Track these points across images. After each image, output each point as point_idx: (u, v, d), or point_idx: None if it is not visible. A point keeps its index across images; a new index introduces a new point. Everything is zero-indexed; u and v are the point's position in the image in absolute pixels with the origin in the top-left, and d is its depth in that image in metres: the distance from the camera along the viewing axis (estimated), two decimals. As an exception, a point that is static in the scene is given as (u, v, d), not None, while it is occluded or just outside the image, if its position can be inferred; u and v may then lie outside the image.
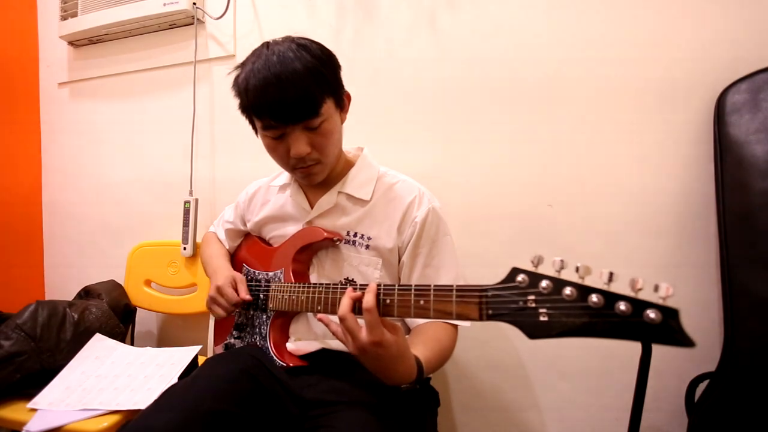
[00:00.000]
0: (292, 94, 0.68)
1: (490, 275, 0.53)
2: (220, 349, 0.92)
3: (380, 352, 0.57)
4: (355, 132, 0.91)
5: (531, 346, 1.04)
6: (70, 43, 1.57)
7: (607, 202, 0.99)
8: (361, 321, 0.59)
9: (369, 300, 0.57)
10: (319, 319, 0.63)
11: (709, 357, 0.86)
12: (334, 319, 0.62)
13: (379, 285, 0.61)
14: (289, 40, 0.73)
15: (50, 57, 1.65)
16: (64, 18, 1.50)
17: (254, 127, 0.79)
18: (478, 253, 1.07)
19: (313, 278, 0.82)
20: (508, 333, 1.06)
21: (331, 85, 0.73)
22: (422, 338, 0.72)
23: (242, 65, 0.74)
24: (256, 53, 0.73)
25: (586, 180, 1.00)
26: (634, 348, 0.45)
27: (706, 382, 0.87)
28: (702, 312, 0.91)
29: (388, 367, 0.59)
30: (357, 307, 0.60)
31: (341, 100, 0.78)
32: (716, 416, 0.82)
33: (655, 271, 0.95)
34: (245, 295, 0.81)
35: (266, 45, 0.73)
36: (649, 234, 0.95)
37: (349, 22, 1.22)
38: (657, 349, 0.42)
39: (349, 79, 0.79)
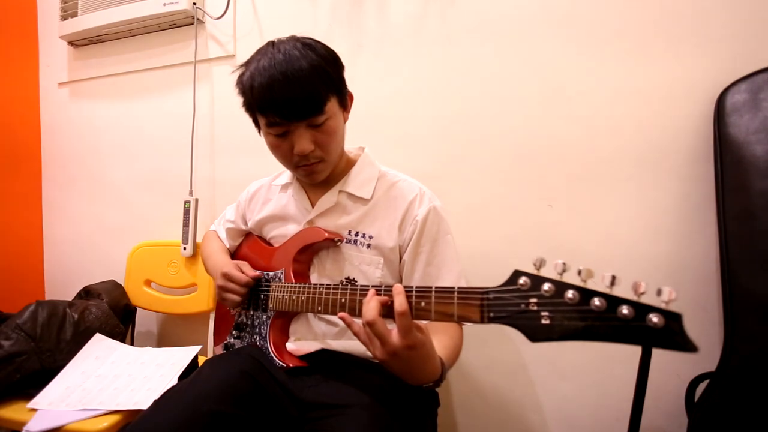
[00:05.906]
0: (298, 92, 0.68)
1: (490, 275, 0.53)
2: (219, 349, 0.92)
3: (412, 354, 0.55)
4: (357, 132, 0.90)
5: (531, 345, 1.04)
6: (70, 43, 1.57)
7: (607, 201, 0.99)
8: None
9: (403, 303, 0.54)
10: (341, 318, 0.60)
11: (709, 357, 0.86)
12: (356, 319, 0.60)
13: (379, 286, 0.61)
14: (294, 39, 0.73)
15: (50, 57, 1.65)
16: (64, 18, 1.50)
17: (257, 125, 0.79)
18: (477, 252, 1.07)
19: (314, 278, 0.82)
20: (508, 333, 1.06)
21: (335, 84, 0.74)
22: (438, 336, 0.70)
23: (247, 63, 0.74)
24: (261, 51, 0.73)
25: (586, 179, 1.00)
26: (635, 348, 0.45)
27: (706, 382, 0.87)
28: (702, 312, 0.91)
29: (416, 369, 0.58)
30: (358, 310, 0.59)
31: (344, 100, 0.78)
32: (716, 416, 0.82)
33: (654, 271, 0.95)
34: (252, 272, 0.81)
35: (271, 44, 0.74)
36: (648, 234, 0.95)
37: (349, 23, 1.22)
38: (657, 350, 0.42)
39: (349, 79, 0.79)
